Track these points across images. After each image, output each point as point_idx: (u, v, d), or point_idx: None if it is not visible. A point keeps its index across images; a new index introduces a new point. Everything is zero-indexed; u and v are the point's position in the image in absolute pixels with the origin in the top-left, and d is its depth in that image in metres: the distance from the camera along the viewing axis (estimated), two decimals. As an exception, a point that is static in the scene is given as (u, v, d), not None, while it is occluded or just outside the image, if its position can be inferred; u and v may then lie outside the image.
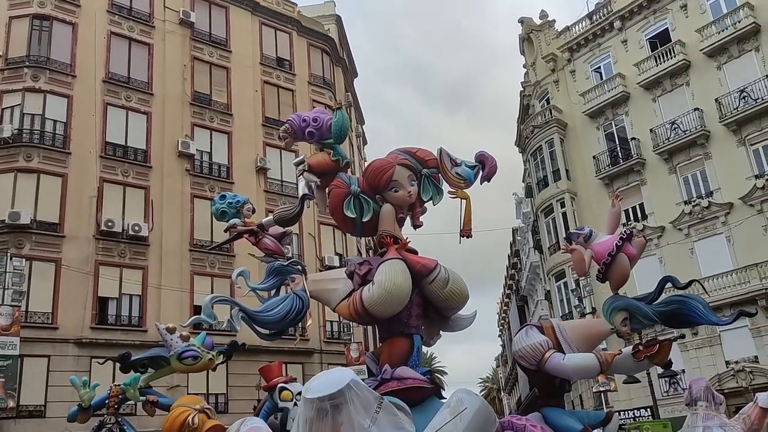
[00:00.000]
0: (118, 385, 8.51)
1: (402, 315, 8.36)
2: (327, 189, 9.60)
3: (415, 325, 8.61)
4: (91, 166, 22.56)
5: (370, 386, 8.50)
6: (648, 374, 18.22)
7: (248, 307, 9.00)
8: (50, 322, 20.19)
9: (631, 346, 8.06)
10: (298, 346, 23.71)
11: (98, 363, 10.25)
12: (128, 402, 8.62)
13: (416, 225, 9.74)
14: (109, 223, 21.90)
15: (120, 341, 20.51)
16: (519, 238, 49.02)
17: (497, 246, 70.90)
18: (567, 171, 31.12)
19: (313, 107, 27.59)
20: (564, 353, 7.78)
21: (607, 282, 8.73)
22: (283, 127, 9.89)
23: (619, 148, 29.81)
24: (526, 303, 47.53)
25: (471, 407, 2.91)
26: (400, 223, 9.45)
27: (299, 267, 9.49)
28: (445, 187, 9.99)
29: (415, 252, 9.19)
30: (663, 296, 8.46)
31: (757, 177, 24.72)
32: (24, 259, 18.62)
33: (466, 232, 9.52)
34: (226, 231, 9.60)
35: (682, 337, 8.34)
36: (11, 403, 15.76)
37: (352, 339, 26.41)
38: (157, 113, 25.04)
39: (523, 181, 40.91)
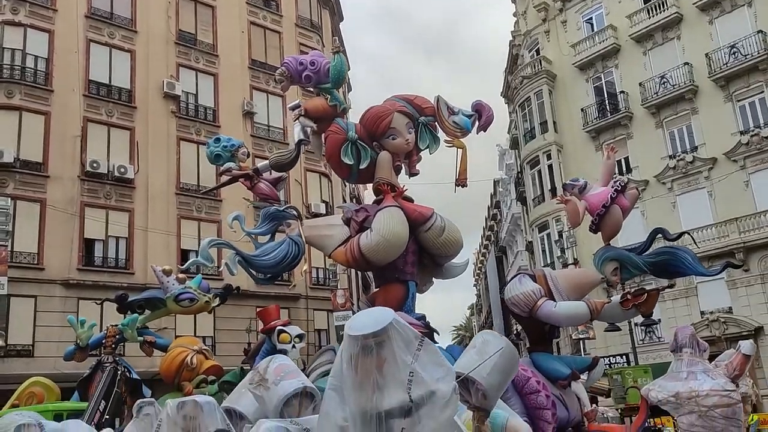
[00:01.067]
0: (115, 326, 8.62)
1: (398, 262, 8.49)
2: (323, 134, 9.53)
3: (410, 272, 8.75)
4: (74, 104, 22.04)
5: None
6: (629, 323, 18.77)
7: (245, 251, 9.05)
8: (36, 262, 20.09)
9: (620, 295, 8.32)
10: (284, 292, 23.93)
11: (95, 303, 10.31)
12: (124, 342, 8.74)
13: (413, 173, 9.76)
14: (95, 164, 21.58)
15: (107, 283, 20.53)
16: (501, 189, 49.27)
17: (476, 197, 70.90)
18: (554, 123, 31.12)
19: (300, 51, 27.08)
20: (555, 301, 8.01)
21: (597, 233, 8.90)
22: (280, 69, 9.75)
23: (607, 101, 29.80)
24: (504, 254, 48.17)
25: (503, 348, 3.03)
26: (397, 171, 9.46)
27: (295, 212, 9.52)
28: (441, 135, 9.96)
29: (411, 200, 9.24)
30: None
31: (742, 133, 24.99)
32: (9, 199, 18.37)
33: (461, 182, 9.60)
34: (221, 175, 9.57)
35: (671, 287, 8.60)
36: (0, 342, 15.83)
37: (338, 285, 26.71)
38: (141, 52, 24.38)
39: (508, 133, 40.81)
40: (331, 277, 27.43)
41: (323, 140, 9.47)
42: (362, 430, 2.60)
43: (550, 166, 30.52)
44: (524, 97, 32.68)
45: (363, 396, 2.58)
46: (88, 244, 21.45)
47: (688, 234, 9.29)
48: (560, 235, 26.08)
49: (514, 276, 8.69)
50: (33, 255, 20.11)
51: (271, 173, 9.11)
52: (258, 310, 8.89)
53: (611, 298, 8.38)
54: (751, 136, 24.63)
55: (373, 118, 9.02)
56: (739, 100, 25.54)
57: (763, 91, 24.96)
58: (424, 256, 9.05)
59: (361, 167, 9.07)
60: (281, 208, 9.21)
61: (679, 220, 24.74)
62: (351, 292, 28.55)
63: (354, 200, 39.19)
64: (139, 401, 4.22)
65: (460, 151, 9.41)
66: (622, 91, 28.99)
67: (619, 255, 8.07)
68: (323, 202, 27.78)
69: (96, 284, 20.51)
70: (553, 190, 30.04)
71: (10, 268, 17.70)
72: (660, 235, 8.34)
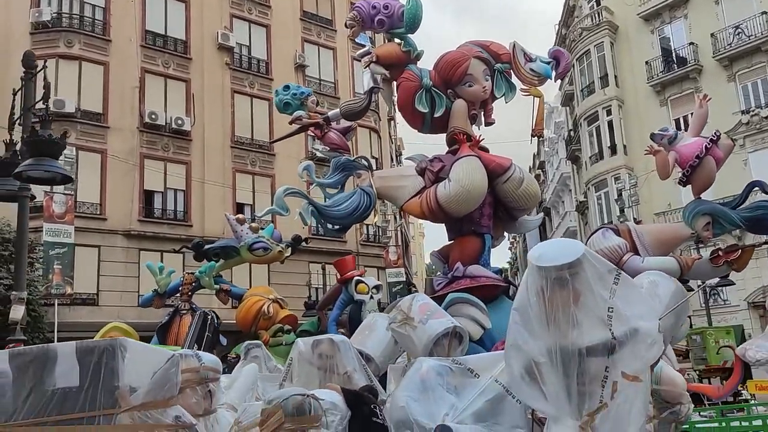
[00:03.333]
0: (192, 273, 8.65)
1: (474, 214, 8.19)
2: (395, 82, 9.17)
3: (487, 224, 8.45)
4: (131, 55, 22.11)
5: (440, 284, 8.48)
6: (699, 284, 18.11)
7: (317, 201, 8.87)
8: (99, 213, 20.53)
9: (710, 251, 7.88)
10: (335, 248, 23.92)
11: (174, 252, 10.36)
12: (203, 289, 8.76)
13: (489, 122, 9.36)
14: (153, 116, 21.73)
15: (167, 235, 20.89)
16: (546, 149, 47.91)
17: (514, 157, 68.97)
18: (615, 77, 29.87)
19: (351, 2, 26.44)
20: (641, 256, 7.62)
21: (686, 186, 8.38)
22: (351, 14, 9.37)
23: (674, 53, 28.36)
24: (548, 215, 47.15)
25: (675, 290, 2.80)
26: (472, 120, 9.06)
27: (366, 163, 9.28)
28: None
29: (487, 150, 8.87)
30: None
31: (823, 87, 23.50)
32: (74, 148, 18.67)
33: (538, 132, 9.18)
34: (291, 123, 9.36)
35: (767, 243, 8.11)
36: (68, 290, 16.32)
37: (390, 242, 26.61)
38: (196, 2, 24.17)
39: (560, 89, 39.43)
40: (381, 233, 27.36)
41: (395, 88, 9.14)
42: (562, 368, 2.41)
43: (610, 122, 29.42)
44: (583, 50, 31.38)
45: (558, 332, 2.39)
46: (147, 196, 21.79)
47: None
48: (620, 194, 25.25)
49: (596, 230, 8.32)
50: (96, 205, 20.54)
51: (340, 122, 8.88)
52: (335, 261, 8.73)
53: (701, 254, 7.93)
54: (833, 89, 23.12)
55: (448, 64, 8.63)
56: (821, 52, 23.95)
57: None
58: (499, 208, 8.73)
59: (436, 116, 8.73)
60: (352, 158, 8.99)
61: (750, 178, 23.53)
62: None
63: (399, 156, 38.79)
64: (246, 343, 4.13)
65: (536, 99, 8.97)
66: (692, 43, 27.50)
67: (713, 209, 7.61)
68: (373, 157, 27.46)
69: (156, 236, 20.91)
70: (613, 147, 29.02)
71: (74, 218, 18.07)
72: (757, 189, 7.83)
